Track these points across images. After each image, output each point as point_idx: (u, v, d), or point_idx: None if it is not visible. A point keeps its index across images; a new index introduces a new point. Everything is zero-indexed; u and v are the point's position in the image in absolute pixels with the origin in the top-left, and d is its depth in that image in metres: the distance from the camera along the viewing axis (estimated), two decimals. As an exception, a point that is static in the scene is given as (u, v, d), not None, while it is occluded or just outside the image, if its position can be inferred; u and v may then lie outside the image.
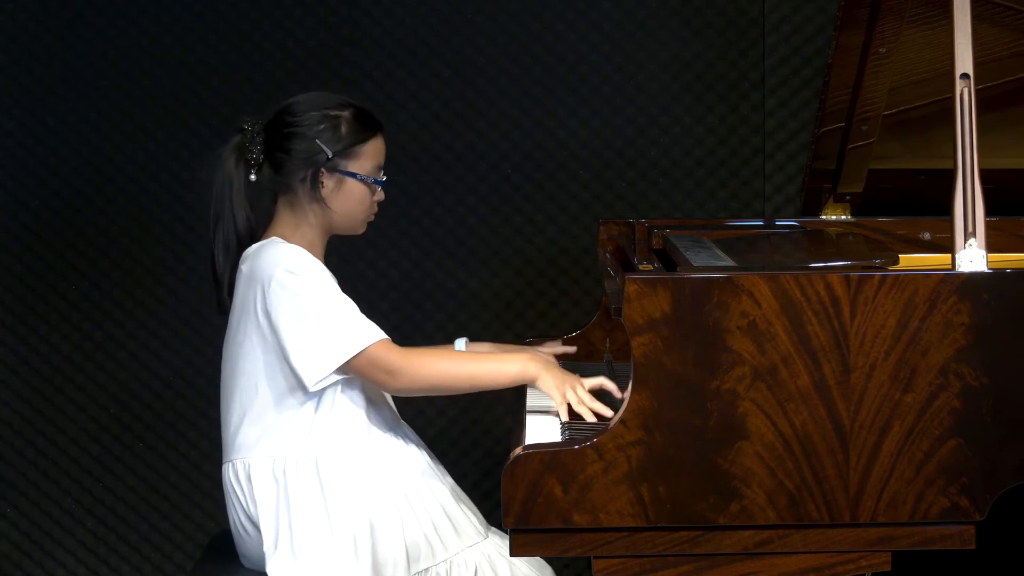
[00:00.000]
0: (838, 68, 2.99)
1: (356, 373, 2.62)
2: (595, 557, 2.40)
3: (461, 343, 3.00)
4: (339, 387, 2.64)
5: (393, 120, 3.79)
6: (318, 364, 2.58)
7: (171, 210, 3.84)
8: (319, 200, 2.68)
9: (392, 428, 2.73)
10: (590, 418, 2.56)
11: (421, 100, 3.83)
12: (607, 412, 2.55)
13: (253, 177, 2.71)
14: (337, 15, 3.81)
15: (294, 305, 2.58)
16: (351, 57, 3.82)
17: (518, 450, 2.37)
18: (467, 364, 2.69)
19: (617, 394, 2.65)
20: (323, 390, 2.62)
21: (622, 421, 2.35)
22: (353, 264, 3.80)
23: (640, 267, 2.74)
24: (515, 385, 2.68)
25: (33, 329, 3.86)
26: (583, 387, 2.63)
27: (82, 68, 3.81)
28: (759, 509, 2.36)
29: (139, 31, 3.81)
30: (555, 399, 2.62)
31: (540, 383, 2.64)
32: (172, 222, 3.84)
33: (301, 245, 2.68)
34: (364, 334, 2.59)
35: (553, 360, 2.78)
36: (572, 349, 3.06)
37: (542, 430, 2.57)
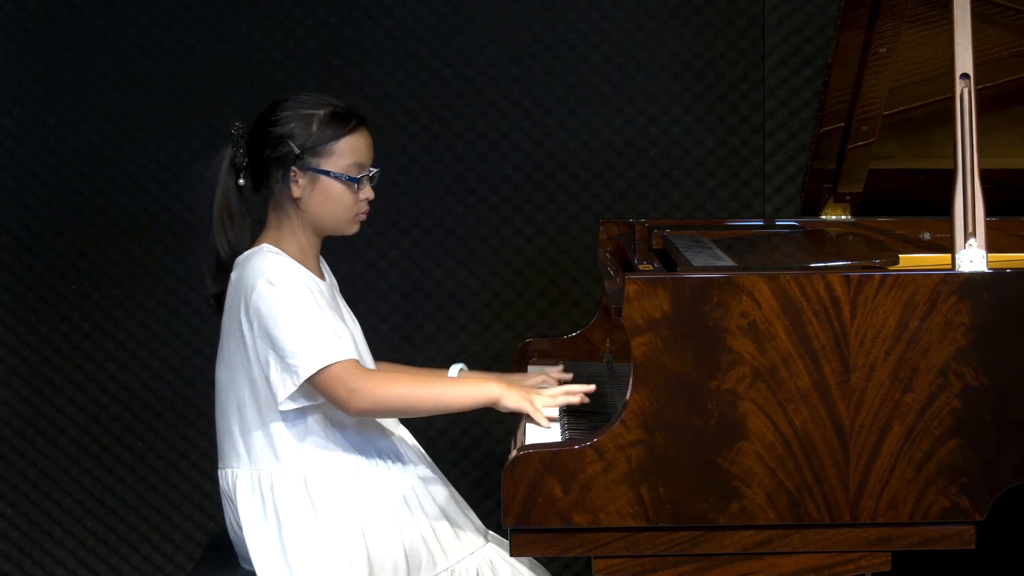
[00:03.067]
0: (838, 68, 2.99)
1: (319, 391, 2.58)
2: (595, 557, 2.40)
3: (455, 370, 2.95)
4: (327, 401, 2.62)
5: (393, 120, 3.79)
6: (284, 382, 2.56)
7: (171, 210, 3.84)
8: (294, 200, 2.66)
9: (384, 438, 2.71)
10: (576, 400, 2.58)
11: (421, 100, 3.83)
12: (588, 387, 2.60)
13: (242, 182, 2.70)
14: (337, 15, 3.81)
15: (270, 317, 2.56)
16: (351, 57, 3.82)
17: (518, 450, 2.37)
18: (428, 387, 2.64)
19: (585, 390, 2.63)
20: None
21: (622, 421, 2.35)
22: (353, 265, 3.80)
23: (640, 267, 2.74)
24: (478, 407, 2.63)
25: (33, 329, 3.86)
26: (544, 396, 2.62)
27: (82, 68, 3.81)
28: (759, 509, 2.36)
29: (139, 31, 3.81)
30: (528, 411, 2.59)
31: (505, 402, 2.61)
32: (172, 222, 3.84)
33: (291, 250, 2.67)
34: (327, 352, 2.55)
35: (519, 383, 2.75)
36: (568, 376, 2.96)
37: (542, 430, 2.57)
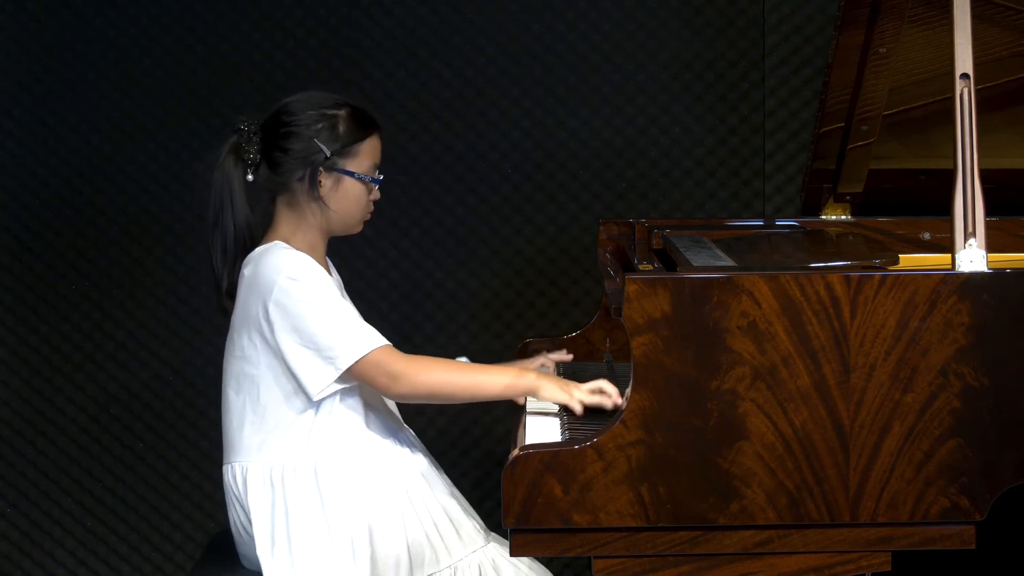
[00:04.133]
0: (838, 68, 2.99)
1: (358, 378, 2.61)
2: (595, 557, 2.40)
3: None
4: (338, 393, 2.63)
5: (393, 120, 3.79)
6: (321, 372, 2.58)
7: (171, 210, 3.84)
8: (318, 199, 2.67)
9: (392, 433, 2.72)
10: (609, 403, 2.57)
11: (421, 100, 3.83)
12: (617, 399, 2.58)
13: (250, 178, 2.70)
14: (337, 15, 3.81)
15: (297, 312, 2.58)
16: (351, 57, 3.82)
17: (518, 450, 2.37)
18: (468, 374, 2.68)
19: (617, 398, 2.60)
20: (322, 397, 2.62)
21: (622, 421, 2.35)
22: (353, 264, 3.80)
23: (640, 267, 2.74)
24: (515, 396, 2.68)
25: (33, 329, 3.86)
26: (582, 390, 2.62)
27: (82, 68, 3.81)
28: (759, 509, 2.36)
29: (139, 31, 3.81)
30: (564, 400, 2.61)
31: (542, 392, 2.63)
32: (172, 222, 3.85)
33: (302, 247, 2.68)
34: (365, 340, 2.59)
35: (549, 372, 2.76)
36: (569, 357, 3.02)
37: (542, 430, 2.57)
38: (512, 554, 2.41)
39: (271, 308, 2.59)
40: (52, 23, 3.80)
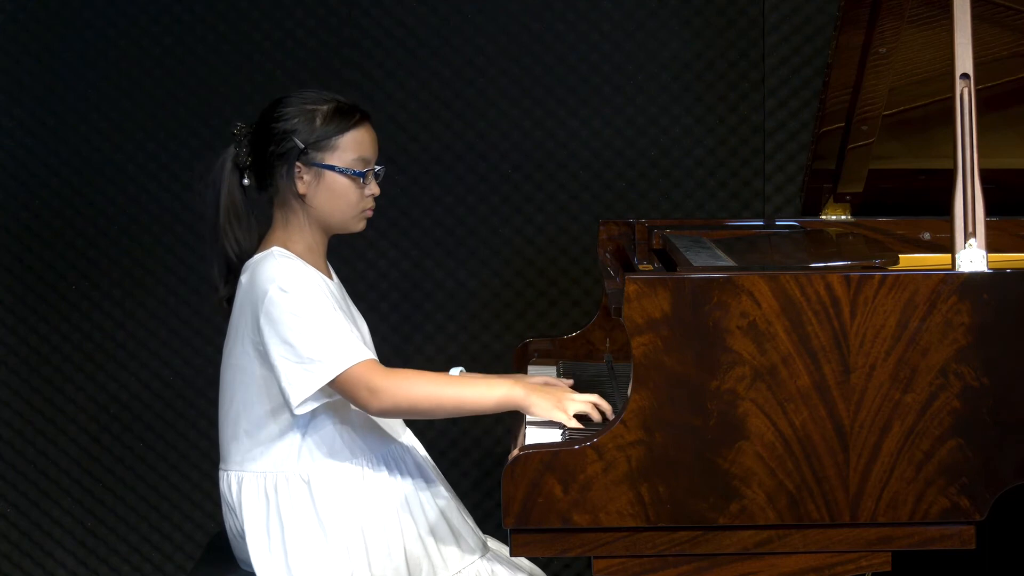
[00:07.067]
0: (838, 68, 2.99)
1: (339, 392, 2.57)
2: (595, 557, 2.40)
3: (456, 372, 2.95)
4: (333, 403, 2.61)
5: (393, 120, 3.79)
6: (302, 385, 2.54)
7: (171, 210, 3.84)
8: (299, 196, 2.65)
9: (388, 443, 2.70)
10: (597, 416, 2.51)
11: (421, 100, 3.83)
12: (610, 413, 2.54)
13: (246, 181, 2.69)
14: (337, 15, 3.81)
15: (284, 323, 2.54)
16: (351, 57, 3.82)
17: (518, 450, 2.37)
18: (452, 388, 2.59)
19: (609, 415, 2.55)
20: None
21: (622, 421, 2.35)
22: (353, 264, 3.80)
23: (640, 267, 2.74)
24: (502, 411, 2.59)
25: (33, 329, 3.86)
26: (576, 401, 2.55)
27: (82, 68, 3.81)
28: (759, 509, 2.36)
29: (139, 31, 3.81)
30: (560, 419, 2.53)
31: (534, 409, 2.55)
32: (172, 222, 3.84)
33: (300, 249, 2.66)
34: (348, 353, 2.54)
35: (537, 384, 2.68)
36: (569, 382, 2.88)
37: (542, 430, 2.57)
38: (512, 554, 2.40)
39: (262, 318, 2.56)
40: (52, 23, 3.80)
